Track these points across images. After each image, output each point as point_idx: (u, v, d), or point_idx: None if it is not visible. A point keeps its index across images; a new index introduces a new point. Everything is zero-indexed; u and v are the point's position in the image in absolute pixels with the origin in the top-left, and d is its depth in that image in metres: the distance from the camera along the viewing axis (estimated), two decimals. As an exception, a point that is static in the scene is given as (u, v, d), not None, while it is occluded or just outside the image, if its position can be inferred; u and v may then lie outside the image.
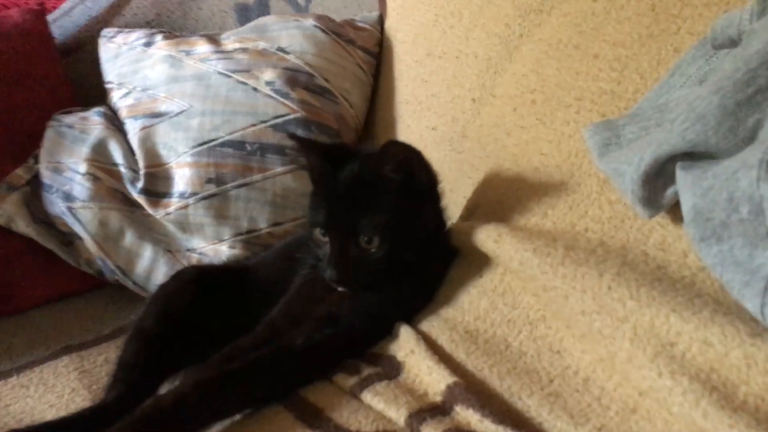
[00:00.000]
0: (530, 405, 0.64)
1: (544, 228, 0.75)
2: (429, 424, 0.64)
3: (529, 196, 0.79)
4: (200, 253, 1.23)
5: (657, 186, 0.62)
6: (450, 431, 0.63)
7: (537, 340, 0.70)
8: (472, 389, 0.67)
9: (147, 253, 1.23)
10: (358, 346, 0.82)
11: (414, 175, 0.82)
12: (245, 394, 0.75)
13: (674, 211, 0.64)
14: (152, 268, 1.23)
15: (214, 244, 1.22)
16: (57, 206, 1.26)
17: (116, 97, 1.37)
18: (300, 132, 1.21)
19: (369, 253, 0.81)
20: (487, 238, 0.77)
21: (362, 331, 0.83)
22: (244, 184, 1.22)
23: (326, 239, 0.83)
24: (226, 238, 1.22)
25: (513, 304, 0.75)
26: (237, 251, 1.21)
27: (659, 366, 0.55)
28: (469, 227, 0.83)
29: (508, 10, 0.97)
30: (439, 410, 0.67)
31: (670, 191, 0.62)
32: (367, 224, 0.80)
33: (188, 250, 1.24)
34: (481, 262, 0.82)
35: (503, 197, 0.84)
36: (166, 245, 1.24)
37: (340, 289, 0.83)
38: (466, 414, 0.65)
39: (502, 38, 0.97)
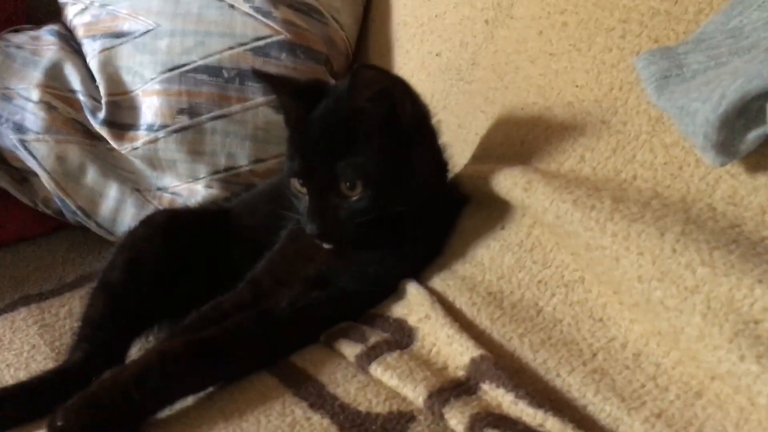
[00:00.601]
0: (571, 384, 0.55)
1: (581, 174, 0.65)
2: (453, 406, 0.55)
3: (562, 136, 0.68)
4: (173, 193, 1.11)
5: (736, 128, 0.51)
6: (479, 416, 0.53)
7: (574, 306, 0.61)
8: (501, 363, 0.58)
9: (112, 192, 1.10)
10: (351, 312, 0.72)
11: (396, 107, 0.70)
12: (217, 366, 0.66)
13: (746, 158, 0.54)
14: (118, 209, 1.11)
15: (188, 182, 1.10)
16: (7, 138, 1.11)
17: (71, 14, 1.20)
18: (284, 57, 1.07)
19: (352, 201, 0.70)
20: (514, 185, 0.66)
21: (356, 294, 0.73)
22: (222, 116, 1.08)
23: (305, 190, 0.72)
24: (201, 176, 1.10)
25: (543, 262, 0.65)
26: (214, 191, 1.09)
27: (741, 347, 0.46)
28: (488, 171, 0.72)
29: None
30: (463, 388, 0.57)
31: (752, 135, 0.51)
32: (346, 167, 0.69)
33: (159, 189, 1.11)
34: (501, 211, 0.71)
35: (528, 137, 0.72)
36: (133, 183, 1.11)
37: (325, 245, 0.73)
38: (495, 393, 0.56)
39: (523, -51, 0.84)
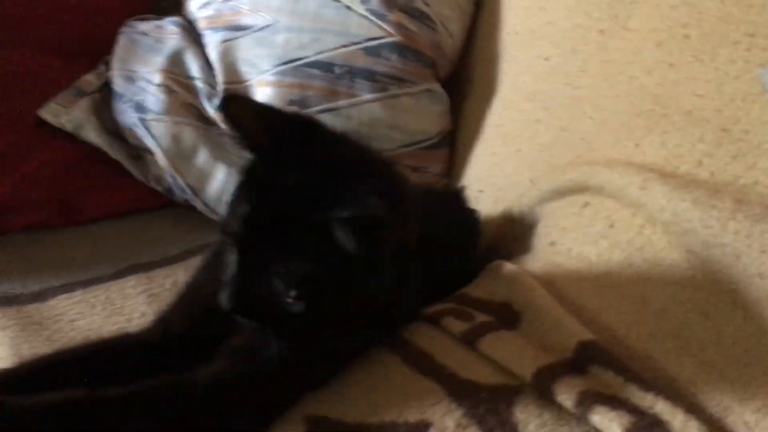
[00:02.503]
0: (680, 373, 0.57)
1: (698, 178, 0.66)
2: (561, 383, 0.57)
3: (679, 142, 0.70)
4: (275, 179, 1.16)
5: None
6: (588, 393, 0.55)
7: (684, 303, 0.62)
8: (610, 348, 0.60)
9: (220, 174, 1.16)
10: (291, 390, 0.61)
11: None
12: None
13: None
14: (224, 191, 1.16)
15: (291, 171, 1.15)
16: (128, 116, 1.19)
17: (194, 7, 1.28)
18: (394, 57, 1.12)
19: (283, 302, 0.56)
20: (629, 183, 0.68)
21: (293, 369, 0.60)
22: (329, 109, 1.13)
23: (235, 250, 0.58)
24: (305, 165, 1.15)
25: (654, 260, 0.66)
26: (315, 181, 1.14)
27: None
28: (599, 170, 0.74)
29: (654, -69, 0.86)
30: (571, 369, 0.59)
31: None
32: (282, 271, 0.56)
33: (263, 174, 1.17)
34: (610, 211, 0.73)
35: (643, 140, 0.74)
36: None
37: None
38: (605, 376, 0.57)
39: (644, -36, 0.87)
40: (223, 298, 0.56)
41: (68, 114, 1.19)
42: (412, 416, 0.57)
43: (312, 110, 1.13)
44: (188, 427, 0.57)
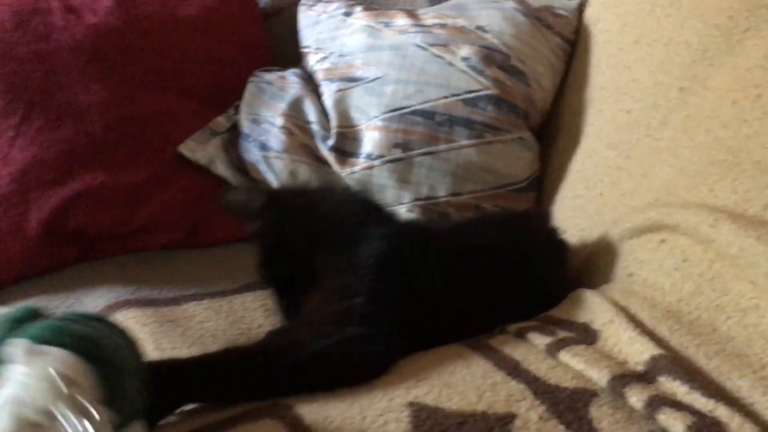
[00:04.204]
0: (741, 386, 0.65)
1: (764, 219, 0.75)
2: (634, 388, 0.66)
3: (748, 188, 0.79)
4: (379, 214, 1.29)
5: None
6: (657, 398, 0.64)
7: (748, 328, 0.70)
8: (678, 362, 0.68)
9: (329, 207, 1.31)
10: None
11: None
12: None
13: None
14: (332, 222, 1.31)
15: (393, 206, 1.28)
16: (253, 154, 1.36)
17: (313, 61, 1.46)
18: (490, 108, 1.24)
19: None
20: (701, 222, 0.77)
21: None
22: (430, 153, 1.26)
23: None
24: (405, 201, 1.28)
25: (722, 290, 0.75)
26: (414, 215, 1.27)
27: None
28: (674, 210, 0.83)
29: (733, 2, 0.96)
30: (642, 378, 0.68)
31: None
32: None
33: (368, 209, 1.30)
34: (684, 247, 0.82)
35: (716, 186, 0.83)
36: (347, 202, 1.31)
37: None
38: (672, 385, 0.66)
39: (723, 30, 0.96)
40: None
41: (202, 150, 1.38)
42: (500, 409, 0.67)
43: (414, 152, 1.27)
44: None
